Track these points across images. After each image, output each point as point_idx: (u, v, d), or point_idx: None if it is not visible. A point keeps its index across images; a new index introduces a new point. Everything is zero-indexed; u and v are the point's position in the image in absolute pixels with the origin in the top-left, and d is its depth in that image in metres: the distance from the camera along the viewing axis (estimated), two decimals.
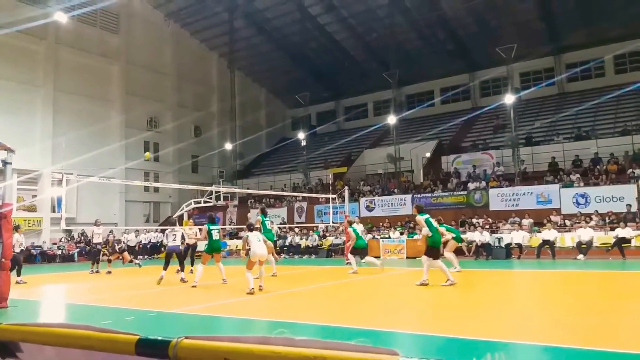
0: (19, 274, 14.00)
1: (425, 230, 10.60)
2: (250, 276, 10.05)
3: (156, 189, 33.76)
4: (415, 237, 12.20)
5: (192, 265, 14.99)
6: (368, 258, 14.11)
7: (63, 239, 27.06)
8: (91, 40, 31.21)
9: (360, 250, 14.21)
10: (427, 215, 10.97)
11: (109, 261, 17.28)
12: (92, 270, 16.73)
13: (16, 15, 25.93)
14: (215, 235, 12.08)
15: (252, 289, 9.83)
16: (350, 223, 15.32)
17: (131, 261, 18.68)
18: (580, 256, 17.26)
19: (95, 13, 31.10)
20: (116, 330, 1.37)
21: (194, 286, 11.44)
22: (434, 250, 10.60)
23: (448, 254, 12.94)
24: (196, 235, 14.95)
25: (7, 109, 26.39)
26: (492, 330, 6.14)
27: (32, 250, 25.34)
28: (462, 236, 20.89)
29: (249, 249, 10.32)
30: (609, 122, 27.33)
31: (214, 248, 12.07)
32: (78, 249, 26.65)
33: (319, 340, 1.03)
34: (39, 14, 26.13)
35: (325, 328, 6.67)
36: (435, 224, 10.96)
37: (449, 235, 12.92)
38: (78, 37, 30.34)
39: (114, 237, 23.22)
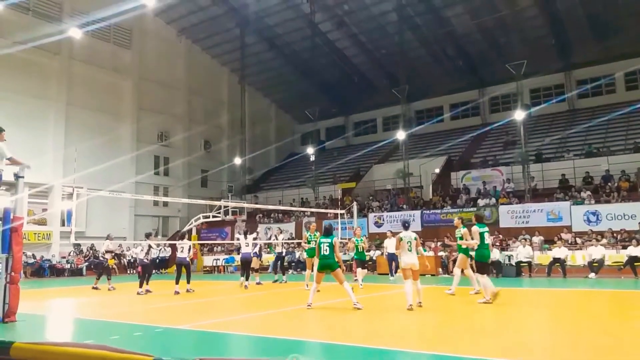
0: (147, 282, 14.64)
1: (474, 243, 10.35)
2: (408, 289, 9.38)
3: (165, 203, 33.88)
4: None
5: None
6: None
7: (72, 253, 27.16)
8: (104, 56, 31.64)
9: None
10: (485, 228, 10.62)
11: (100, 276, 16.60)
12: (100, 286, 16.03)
13: (32, 32, 26.36)
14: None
15: (410, 305, 9.19)
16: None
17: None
18: (592, 275, 17.04)
19: (108, 29, 31.57)
20: (131, 351, 1.36)
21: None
22: (478, 264, 10.44)
23: (468, 271, 12.16)
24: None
25: (20, 122, 26.54)
26: (503, 350, 6.04)
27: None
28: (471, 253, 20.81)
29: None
30: (620, 138, 27.14)
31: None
32: (86, 263, 26.73)
33: None
34: (54, 30, 26.57)
35: (334, 346, 6.61)
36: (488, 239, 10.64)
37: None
38: (91, 52, 30.77)
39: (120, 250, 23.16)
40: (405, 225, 10.33)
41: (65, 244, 25.44)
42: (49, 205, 27.74)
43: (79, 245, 27.31)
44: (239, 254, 16.57)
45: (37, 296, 13.88)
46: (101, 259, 16.90)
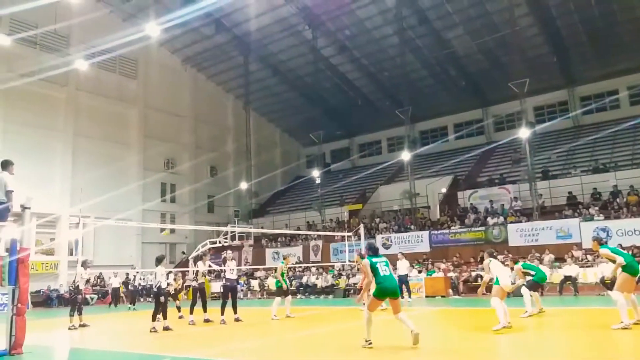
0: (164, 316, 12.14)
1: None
2: (500, 308, 9.08)
3: (172, 230, 33.89)
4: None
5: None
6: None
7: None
8: (110, 86, 32.11)
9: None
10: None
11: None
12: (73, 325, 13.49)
13: (38, 64, 26.84)
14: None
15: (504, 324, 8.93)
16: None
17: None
18: (607, 292, 16.73)
19: (114, 59, 32.09)
20: None
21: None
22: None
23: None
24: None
25: (27, 153, 26.74)
26: None
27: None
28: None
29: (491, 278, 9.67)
30: (626, 153, 26.96)
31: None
32: (95, 294, 26.66)
33: None
34: (60, 62, 27.02)
35: None
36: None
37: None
38: (98, 82, 31.24)
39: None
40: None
41: (73, 273, 25.39)
42: (57, 234, 27.81)
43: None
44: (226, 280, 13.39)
45: (45, 327, 13.78)
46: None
